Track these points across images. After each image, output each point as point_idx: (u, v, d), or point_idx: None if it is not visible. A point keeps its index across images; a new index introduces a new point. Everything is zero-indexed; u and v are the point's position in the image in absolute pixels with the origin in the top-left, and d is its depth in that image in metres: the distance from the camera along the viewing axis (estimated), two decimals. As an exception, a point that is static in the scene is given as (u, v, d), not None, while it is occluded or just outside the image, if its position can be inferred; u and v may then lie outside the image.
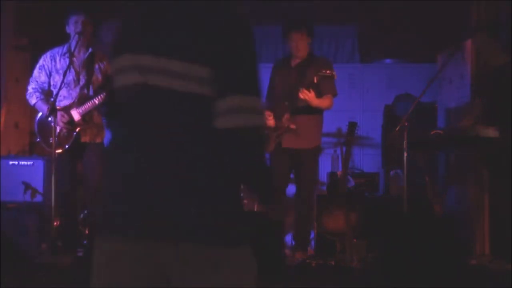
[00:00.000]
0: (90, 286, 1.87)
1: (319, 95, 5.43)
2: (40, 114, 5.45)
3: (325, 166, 7.30)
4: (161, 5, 1.80)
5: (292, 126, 5.43)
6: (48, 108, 5.12)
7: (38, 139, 5.50)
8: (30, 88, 5.44)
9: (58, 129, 5.21)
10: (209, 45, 1.71)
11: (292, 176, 5.72)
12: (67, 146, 5.30)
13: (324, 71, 5.39)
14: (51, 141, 5.19)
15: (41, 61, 5.45)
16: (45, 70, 5.41)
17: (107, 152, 1.92)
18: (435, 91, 6.42)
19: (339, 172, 6.10)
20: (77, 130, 5.33)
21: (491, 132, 4.89)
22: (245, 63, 1.74)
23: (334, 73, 5.40)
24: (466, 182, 5.66)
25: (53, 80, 5.38)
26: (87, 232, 5.70)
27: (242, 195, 1.91)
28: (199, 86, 1.71)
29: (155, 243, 1.72)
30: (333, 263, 5.20)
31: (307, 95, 5.32)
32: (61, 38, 5.53)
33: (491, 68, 5.30)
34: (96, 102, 5.27)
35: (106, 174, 1.87)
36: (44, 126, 5.37)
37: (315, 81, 5.33)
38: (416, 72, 7.49)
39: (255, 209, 5.90)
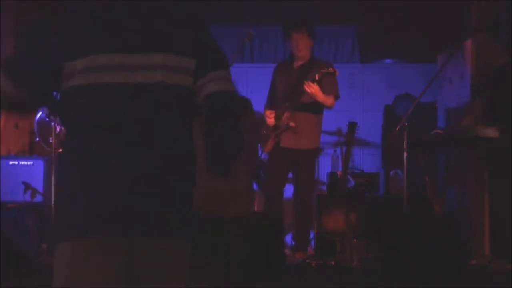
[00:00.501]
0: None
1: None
2: (40, 113, 5.45)
3: (325, 166, 7.30)
4: (130, 4, 1.90)
5: (292, 124, 5.43)
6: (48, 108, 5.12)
7: (38, 139, 5.49)
8: (30, 88, 5.44)
9: (57, 129, 5.20)
10: (185, 38, 1.89)
11: (290, 176, 5.72)
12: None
13: (326, 68, 5.40)
14: (50, 141, 5.19)
15: (41, 61, 5.45)
16: (46, 70, 5.41)
17: (66, 155, 1.96)
18: (435, 91, 6.42)
19: (339, 172, 6.09)
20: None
21: (491, 132, 4.89)
22: (214, 45, 1.99)
23: (336, 70, 5.41)
24: (466, 182, 5.66)
25: (53, 80, 5.38)
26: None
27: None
28: (182, 77, 1.87)
29: (113, 240, 1.84)
30: (333, 263, 5.20)
31: (313, 88, 5.31)
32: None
33: (491, 68, 5.30)
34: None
35: (64, 177, 1.92)
36: (44, 126, 5.37)
37: (317, 77, 5.33)
38: (416, 72, 7.49)
39: (255, 209, 5.90)
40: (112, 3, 1.91)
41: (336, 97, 5.55)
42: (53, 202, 5.06)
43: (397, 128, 4.95)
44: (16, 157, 6.25)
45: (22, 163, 5.93)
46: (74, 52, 1.86)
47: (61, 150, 1.73)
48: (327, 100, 5.44)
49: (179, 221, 1.90)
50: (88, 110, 1.85)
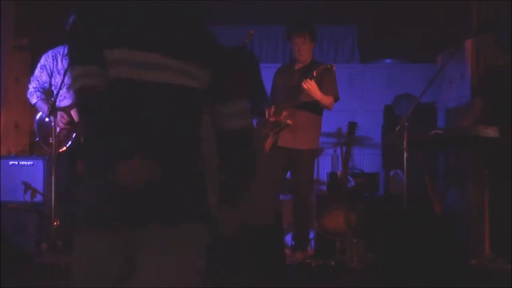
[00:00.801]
0: (72, 276, 2.02)
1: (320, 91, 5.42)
2: (40, 113, 5.45)
3: (325, 166, 7.31)
4: (158, 6, 2.00)
5: (289, 122, 5.43)
6: (48, 108, 5.12)
7: (37, 139, 5.50)
8: (31, 87, 5.44)
9: (57, 129, 5.21)
10: (205, 48, 2.01)
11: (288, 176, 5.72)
12: (66, 147, 5.30)
13: (324, 65, 5.41)
14: (50, 141, 5.19)
15: (42, 61, 5.45)
16: (47, 70, 5.41)
17: (89, 146, 2.02)
18: (435, 91, 6.42)
19: (339, 172, 6.09)
20: (78, 130, 5.32)
21: (491, 132, 4.89)
22: (235, 73, 2.10)
23: (333, 65, 5.42)
24: (466, 182, 5.66)
25: (54, 80, 5.38)
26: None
27: None
28: (191, 80, 1.97)
29: (124, 232, 1.94)
30: (333, 263, 5.20)
31: (310, 84, 5.31)
32: (61, 38, 5.53)
33: (491, 68, 5.30)
34: (97, 102, 5.27)
35: (89, 167, 2.02)
36: (44, 126, 5.37)
37: (315, 74, 5.32)
38: (416, 72, 7.49)
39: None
40: (141, 5, 2.01)
41: (336, 98, 5.54)
42: (53, 202, 5.07)
43: (397, 128, 4.95)
44: (16, 157, 6.26)
45: (22, 163, 5.93)
46: (100, 44, 1.95)
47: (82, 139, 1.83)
48: (325, 99, 5.43)
49: (184, 209, 1.97)
50: (105, 102, 1.95)
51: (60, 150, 5.25)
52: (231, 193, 2.07)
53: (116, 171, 1.90)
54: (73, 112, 5.30)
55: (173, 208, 1.96)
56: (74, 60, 2.02)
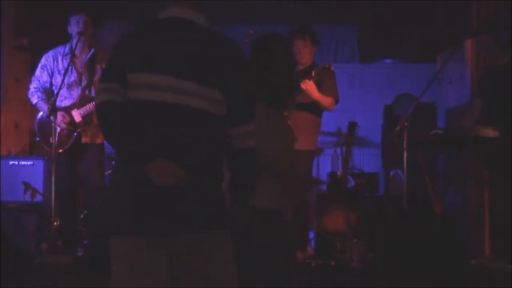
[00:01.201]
0: (112, 278, 2.22)
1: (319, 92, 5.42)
2: (40, 113, 5.45)
3: (325, 166, 7.31)
4: (189, 36, 2.26)
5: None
6: (48, 108, 5.12)
7: (38, 139, 5.50)
8: (31, 87, 5.44)
9: (58, 129, 5.21)
10: (221, 76, 2.22)
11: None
12: (67, 147, 5.30)
13: (322, 65, 5.41)
14: (50, 141, 5.19)
15: (43, 61, 5.45)
16: (47, 70, 5.41)
17: (125, 157, 2.27)
18: (435, 91, 6.42)
19: (339, 172, 6.09)
20: (78, 131, 5.33)
21: (491, 132, 4.89)
22: (249, 96, 2.34)
23: (331, 65, 5.42)
24: (466, 182, 5.66)
25: (55, 80, 5.38)
26: (87, 232, 5.71)
27: None
28: (212, 105, 2.21)
29: (162, 236, 2.17)
30: (333, 263, 5.20)
31: (308, 84, 5.31)
32: (61, 38, 5.54)
33: (491, 68, 5.30)
34: (98, 103, 5.27)
35: (122, 179, 2.26)
36: (44, 126, 5.37)
37: (313, 74, 5.32)
38: (416, 72, 7.50)
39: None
40: (171, 34, 2.27)
41: (336, 100, 5.54)
42: (53, 202, 5.07)
43: (397, 128, 4.95)
44: (16, 157, 6.26)
45: (22, 163, 5.93)
46: (132, 67, 2.22)
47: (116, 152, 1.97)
48: (324, 99, 5.42)
49: (212, 217, 2.23)
50: (138, 120, 2.20)
51: (60, 150, 5.25)
52: (239, 198, 2.37)
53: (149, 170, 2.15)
54: (74, 113, 5.30)
55: (206, 214, 2.21)
56: (102, 78, 2.34)
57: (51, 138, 5.19)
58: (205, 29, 2.30)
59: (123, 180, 2.25)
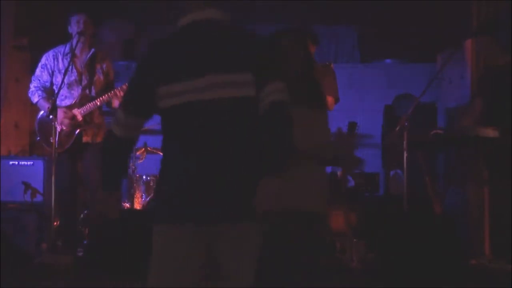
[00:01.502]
0: (152, 263, 2.40)
1: None
2: (41, 112, 5.45)
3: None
4: (209, 39, 2.41)
5: None
6: (48, 107, 5.12)
7: (38, 138, 5.50)
8: (32, 86, 5.44)
9: (58, 129, 5.21)
10: (251, 60, 2.37)
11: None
12: (67, 147, 5.30)
13: (322, 63, 5.41)
14: (51, 140, 5.19)
15: (43, 60, 5.45)
16: (47, 70, 5.41)
17: (167, 155, 2.44)
18: (435, 91, 6.42)
19: (339, 172, 6.09)
20: (78, 130, 5.33)
21: (491, 132, 4.89)
22: (270, 62, 2.43)
23: (331, 62, 5.42)
24: (466, 182, 5.66)
25: (55, 79, 5.38)
26: (87, 232, 5.71)
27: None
28: (248, 89, 2.34)
29: (203, 226, 2.34)
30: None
31: None
32: (61, 38, 5.54)
33: (491, 68, 5.30)
34: (98, 103, 5.28)
35: (167, 173, 2.42)
36: (45, 125, 5.37)
37: None
38: (416, 72, 7.50)
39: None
40: (198, 37, 2.42)
41: (336, 99, 5.53)
42: (53, 202, 5.07)
43: (397, 128, 4.95)
44: (16, 157, 6.26)
45: (22, 163, 5.93)
46: (169, 78, 2.37)
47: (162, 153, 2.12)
48: None
49: (250, 209, 2.34)
50: (181, 121, 2.37)
51: (60, 150, 5.24)
52: (273, 162, 2.36)
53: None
54: (75, 112, 5.31)
55: (241, 207, 2.34)
56: (123, 104, 2.51)
57: (51, 138, 5.19)
58: (226, 24, 2.45)
59: (167, 174, 2.42)
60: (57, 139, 5.14)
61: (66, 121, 5.26)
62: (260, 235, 2.42)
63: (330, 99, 5.50)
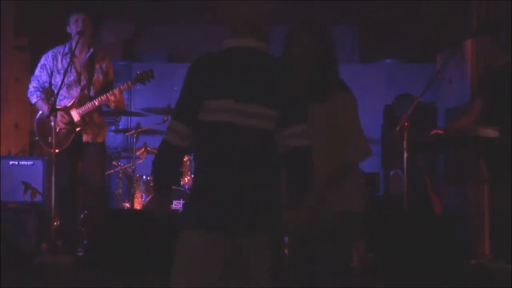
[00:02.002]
0: (176, 267, 2.58)
1: None
2: (40, 112, 5.45)
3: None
4: (242, 65, 2.61)
5: None
6: (48, 108, 5.12)
7: (37, 138, 5.50)
8: (31, 87, 5.44)
9: (57, 129, 5.20)
10: (276, 94, 2.58)
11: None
12: (65, 146, 5.30)
13: None
14: (49, 140, 5.19)
15: (42, 60, 5.45)
16: (47, 70, 5.41)
17: (199, 169, 2.66)
18: (435, 91, 6.42)
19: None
20: (77, 130, 5.32)
21: (491, 132, 4.88)
22: (299, 102, 2.63)
23: None
24: (466, 182, 5.66)
25: (54, 79, 5.38)
26: (87, 232, 5.71)
27: None
28: (268, 123, 2.57)
29: (226, 235, 2.55)
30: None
31: None
32: (61, 38, 5.54)
33: (491, 68, 5.30)
34: (96, 103, 5.27)
35: (198, 184, 2.67)
36: (44, 125, 5.37)
37: None
38: (416, 72, 7.49)
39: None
40: (233, 62, 2.63)
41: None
42: (53, 202, 5.07)
43: (397, 128, 4.95)
44: (16, 157, 6.26)
45: (22, 163, 5.94)
46: (208, 95, 2.58)
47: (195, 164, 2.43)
48: None
49: (267, 223, 2.59)
50: (211, 137, 2.59)
51: (57, 150, 5.22)
52: (292, 198, 2.58)
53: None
54: (73, 112, 5.30)
55: (260, 218, 2.57)
56: (175, 111, 2.69)
57: (50, 138, 5.19)
58: (262, 54, 2.63)
59: (196, 186, 2.68)
60: (55, 139, 5.14)
61: (62, 124, 5.26)
62: (272, 248, 2.64)
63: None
